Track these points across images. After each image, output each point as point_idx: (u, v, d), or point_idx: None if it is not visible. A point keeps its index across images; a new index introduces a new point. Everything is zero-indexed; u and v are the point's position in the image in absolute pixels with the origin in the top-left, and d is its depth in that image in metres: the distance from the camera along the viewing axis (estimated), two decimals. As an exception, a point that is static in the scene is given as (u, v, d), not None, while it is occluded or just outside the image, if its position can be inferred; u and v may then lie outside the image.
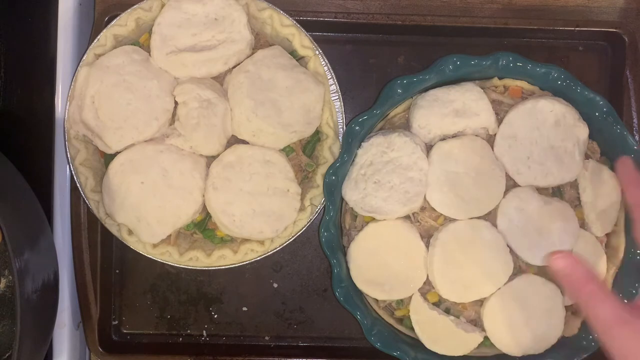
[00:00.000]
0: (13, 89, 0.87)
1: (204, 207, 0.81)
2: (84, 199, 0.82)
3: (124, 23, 0.81)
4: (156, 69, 0.81)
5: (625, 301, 0.78)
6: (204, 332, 0.90)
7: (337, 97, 0.83)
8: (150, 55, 0.81)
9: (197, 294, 0.90)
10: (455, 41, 0.88)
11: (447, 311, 0.81)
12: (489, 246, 0.78)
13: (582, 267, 0.64)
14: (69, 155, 0.81)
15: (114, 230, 0.82)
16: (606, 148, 0.82)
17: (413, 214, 0.81)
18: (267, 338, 0.90)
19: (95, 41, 0.81)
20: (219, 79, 0.82)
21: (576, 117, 0.80)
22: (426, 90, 0.82)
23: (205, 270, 0.85)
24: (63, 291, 0.83)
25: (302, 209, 0.82)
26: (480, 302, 0.80)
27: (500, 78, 0.82)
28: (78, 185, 0.81)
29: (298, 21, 0.83)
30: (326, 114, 0.82)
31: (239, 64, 0.81)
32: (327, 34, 0.89)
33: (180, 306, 0.90)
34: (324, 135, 0.83)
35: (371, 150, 0.80)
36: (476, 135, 0.81)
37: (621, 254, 0.80)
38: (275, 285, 0.90)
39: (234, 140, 0.82)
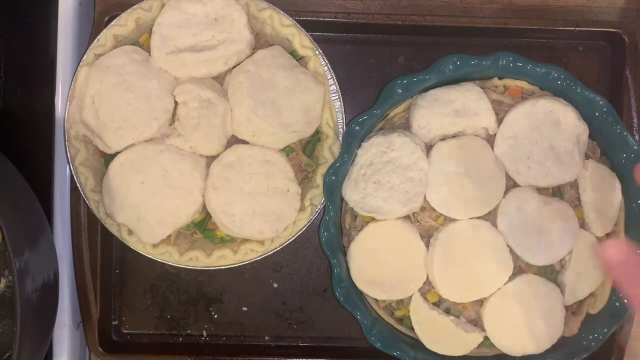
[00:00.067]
0: (13, 89, 0.87)
1: (204, 207, 0.81)
2: (84, 199, 0.82)
3: (124, 23, 0.81)
4: (156, 69, 0.81)
5: None
6: (204, 332, 0.90)
7: (337, 97, 0.83)
8: (150, 55, 0.81)
9: (197, 294, 0.90)
10: (455, 41, 0.88)
11: (447, 311, 0.81)
12: (489, 246, 0.78)
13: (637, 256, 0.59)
14: (69, 155, 0.81)
15: (114, 230, 0.82)
16: (606, 148, 0.82)
17: (413, 214, 0.81)
18: (267, 338, 0.90)
19: (95, 41, 0.81)
20: (219, 79, 0.82)
21: (576, 117, 0.80)
22: (426, 90, 0.82)
23: (205, 270, 0.85)
24: (63, 291, 0.83)
25: (302, 209, 0.81)
26: (480, 302, 0.80)
27: (500, 78, 0.82)
28: (78, 185, 0.81)
29: (298, 21, 0.83)
30: (326, 114, 0.82)
31: (239, 64, 0.81)
32: (327, 34, 0.89)
33: (180, 306, 0.90)
34: (324, 135, 0.83)
35: (371, 150, 0.80)
36: (476, 135, 0.81)
37: (621, 254, 0.80)
38: (275, 285, 0.90)
39: (234, 140, 0.82)
